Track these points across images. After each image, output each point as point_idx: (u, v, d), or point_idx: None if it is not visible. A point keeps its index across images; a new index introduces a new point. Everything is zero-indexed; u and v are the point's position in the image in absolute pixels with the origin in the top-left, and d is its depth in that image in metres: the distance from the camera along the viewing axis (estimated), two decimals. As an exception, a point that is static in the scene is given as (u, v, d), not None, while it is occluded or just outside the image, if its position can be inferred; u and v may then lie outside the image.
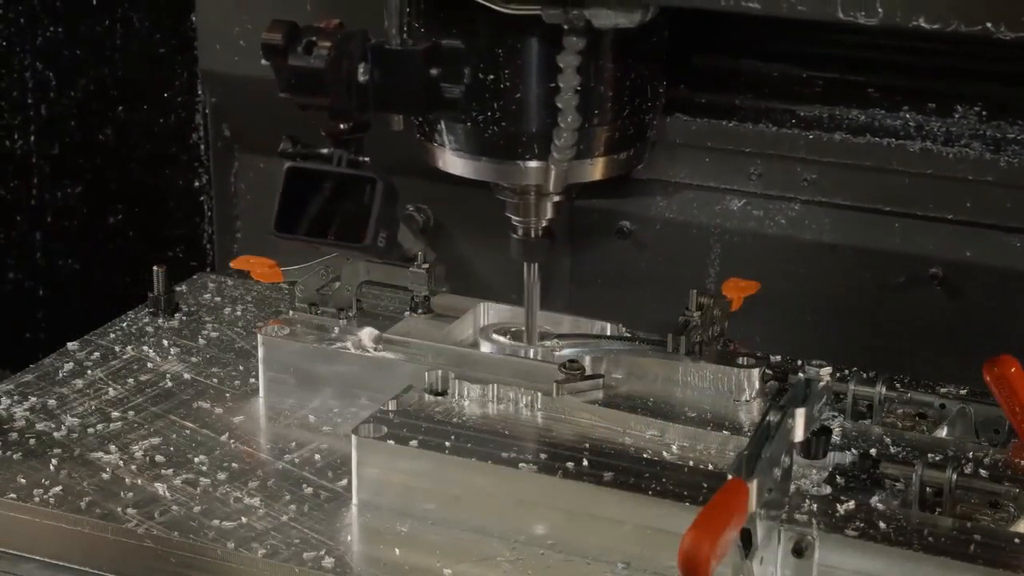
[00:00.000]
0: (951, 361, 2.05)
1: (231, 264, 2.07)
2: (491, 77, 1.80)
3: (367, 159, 1.82)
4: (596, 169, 1.87)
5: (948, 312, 2.08)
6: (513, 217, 1.91)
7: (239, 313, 2.19)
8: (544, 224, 1.91)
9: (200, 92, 2.50)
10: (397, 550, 1.64)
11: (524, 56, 1.79)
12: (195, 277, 2.32)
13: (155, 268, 2.17)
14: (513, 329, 1.97)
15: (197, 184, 2.56)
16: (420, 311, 1.99)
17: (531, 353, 1.90)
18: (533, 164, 1.84)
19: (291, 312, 2.02)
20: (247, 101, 2.33)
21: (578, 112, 1.77)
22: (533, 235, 1.91)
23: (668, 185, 2.18)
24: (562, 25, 1.72)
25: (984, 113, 2.07)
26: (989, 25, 1.70)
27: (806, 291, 2.12)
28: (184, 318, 2.17)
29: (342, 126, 1.80)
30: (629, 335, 1.93)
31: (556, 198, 1.89)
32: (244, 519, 1.69)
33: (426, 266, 1.98)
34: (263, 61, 1.76)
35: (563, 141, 1.79)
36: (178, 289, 2.23)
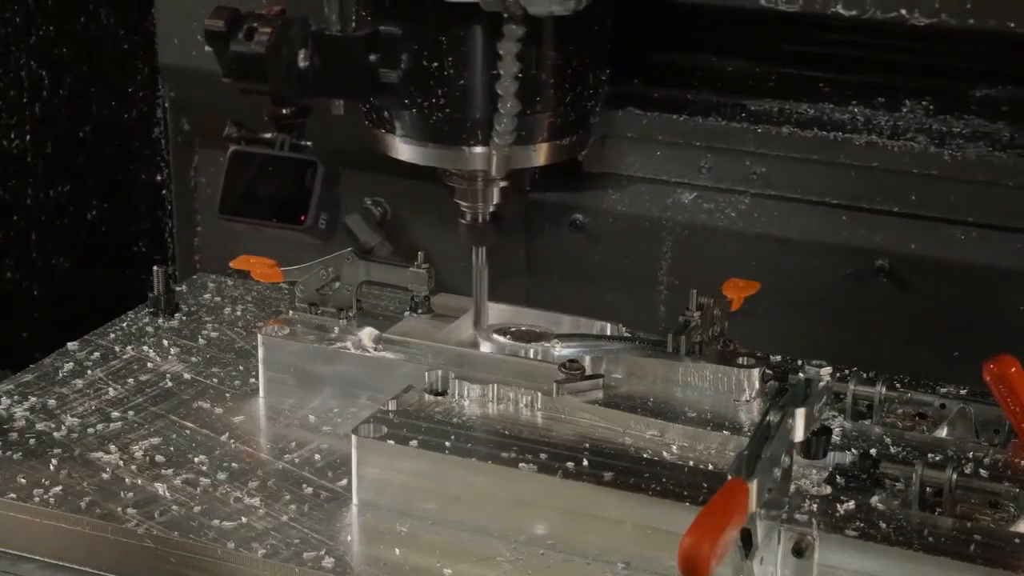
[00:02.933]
0: (898, 351, 2.07)
1: (231, 264, 2.07)
2: (434, 64, 1.82)
3: (309, 143, 1.88)
4: (539, 155, 1.89)
5: (894, 303, 2.09)
6: (461, 203, 1.93)
7: (239, 313, 2.19)
8: (491, 209, 1.92)
9: (160, 87, 2.50)
10: (397, 550, 1.64)
11: (466, 43, 1.81)
12: (195, 277, 2.32)
13: (155, 268, 2.17)
14: (513, 329, 1.97)
15: (159, 178, 2.56)
16: (420, 311, 1.99)
17: (531, 353, 1.90)
18: (478, 150, 1.85)
19: (291, 312, 2.02)
20: (206, 95, 2.32)
21: (518, 98, 1.79)
22: (481, 220, 1.93)
23: (620, 178, 2.20)
24: (501, 13, 1.74)
25: (931, 107, 2.09)
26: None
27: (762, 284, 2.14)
28: (184, 318, 2.18)
29: (284, 111, 1.85)
30: (629, 335, 1.93)
31: (502, 183, 1.92)
32: (244, 519, 1.69)
33: (426, 266, 1.98)
34: (206, 48, 1.80)
35: (503, 127, 1.81)
36: (178, 289, 2.24)
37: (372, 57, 1.83)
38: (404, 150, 1.89)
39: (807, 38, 2.13)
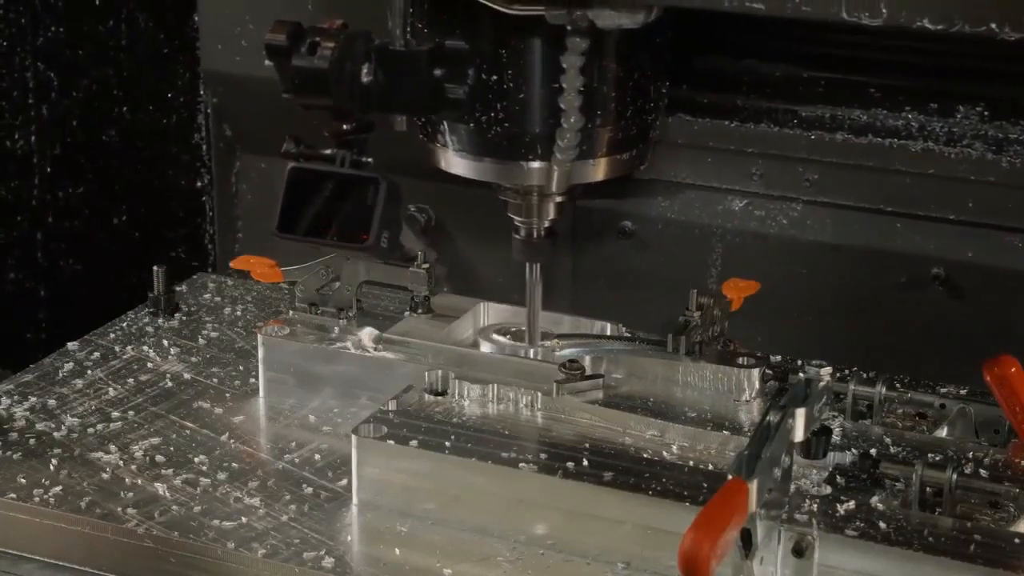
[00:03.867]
0: (952, 361, 2.05)
1: (231, 264, 2.07)
2: (494, 78, 1.80)
3: (370, 160, 1.82)
4: (599, 169, 1.87)
5: (950, 312, 2.08)
6: (516, 218, 1.91)
7: (239, 313, 2.19)
8: (546, 224, 1.91)
9: (202, 92, 2.50)
10: (397, 550, 1.64)
11: (528, 57, 1.79)
12: (195, 277, 2.32)
13: (155, 268, 2.17)
14: (513, 329, 1.97)
15: (199, 184, 2.56)
16: (420, 311, 1.99)
17: (531, 353, 1.90)
18: (536, 165, 1.83)
19: (291, 312, 2.01)
20: (249, 101, 2.33)
21: (581, 113, 1.77)
22: (536, 236, 1.91)
23: (670, 185, 2.18)
24: (565, 26, 1.72)
25: (986, 113, 2.07)
26: (994, 25, 1.69)
27: (807, 291, 2.12)
28: (184, 318, 2.18)
29: (345, 127, 1.81)
30: (629, 335, 1.93)
31: (559, 198, 1.90)
32: (244, 519, 1.69)
33: (426, 266, 1.97)
34: (266, 62, 1.76)
35: (566, 142, 1.79)
36: (178, 289, 2.24)
37: (436, 72, 1.80)
38: (459, 164, 1.87)
39: (854, 43, 2.10)
